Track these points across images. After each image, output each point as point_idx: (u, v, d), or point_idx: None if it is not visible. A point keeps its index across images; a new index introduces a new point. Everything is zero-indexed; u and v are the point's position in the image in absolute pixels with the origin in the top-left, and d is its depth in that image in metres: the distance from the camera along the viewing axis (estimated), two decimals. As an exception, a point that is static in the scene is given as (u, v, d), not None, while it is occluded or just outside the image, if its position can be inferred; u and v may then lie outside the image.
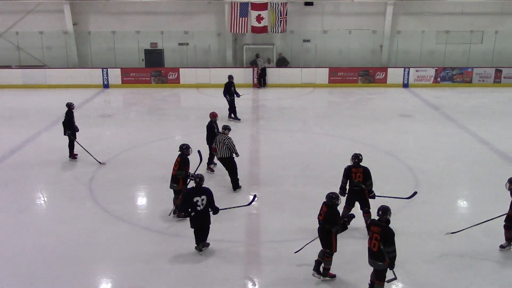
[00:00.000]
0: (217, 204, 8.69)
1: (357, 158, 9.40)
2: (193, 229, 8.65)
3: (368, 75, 24.16)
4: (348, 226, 7.89)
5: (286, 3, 23.82)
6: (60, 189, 11.71)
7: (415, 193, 9.98)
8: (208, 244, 8.85)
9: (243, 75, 23.96)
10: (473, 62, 25.03)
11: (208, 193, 8.55)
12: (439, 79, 24.10)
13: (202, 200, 8.43)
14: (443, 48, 25.22)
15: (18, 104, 20.91)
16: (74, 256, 8.69)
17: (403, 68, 24.16)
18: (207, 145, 12.50)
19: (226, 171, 11.55)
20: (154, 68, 24.55)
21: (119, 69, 24.19)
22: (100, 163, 13.20)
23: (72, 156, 13.52)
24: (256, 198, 9.57)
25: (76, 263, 8.49)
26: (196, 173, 9.61)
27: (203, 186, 8.61)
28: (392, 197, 9.68)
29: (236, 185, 11.42)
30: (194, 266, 8.39)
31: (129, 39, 25.16)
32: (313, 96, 22.57)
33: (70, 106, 13.43)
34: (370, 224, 7.36)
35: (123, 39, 25.18)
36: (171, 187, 10.08)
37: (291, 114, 18.93)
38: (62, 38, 24.96)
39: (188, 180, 9.99)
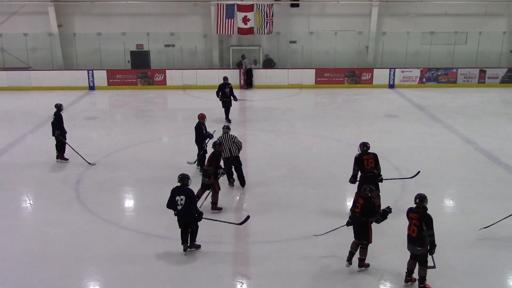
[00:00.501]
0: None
1: (365, 146, 10.02)
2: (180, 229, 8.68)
3: (354, 76, 24.29)
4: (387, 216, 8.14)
5: (272, 4, 23.86)
6: (47, 191, 11.62)
7: (419, 172, 11.06)
8: (198, 246, 8.79)
9: (229, 77, 23.80)
10: (458, 62, 25.30)
11: (189, 194, 8.48)
12: (424, 80, 24.32)
13: (181, 200, 8.43)
14: (428, 49, 25.45)
15: (3, 106, 20.67)
16: (61, 259, 8.62)
17: (388, 69, 24.35)
18: (196, 146, 12.57)
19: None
20: (140, 69, 24.46)
21: (105, 70, 24.06)
22: (89, 163, 13.15)
23: (61, 157, 13.44)
24: (248, 219, 9.35)
25: (63, 265, 8.43)
26: (223, 169, 10.50)
27: (187, 187, 8.56)
28: (397, 178, 11.39)
29: (244, 182, 11.54)
30: (182, 267, 8.37)
31: (114, 41, 25.03)
32: (300, 97, 22.64)
33: (59, 107, 13.39)
34: (408, 211, 7.70)
35: (109, 40, 25.05)
36: (203, 181, 10.40)
37: (278, 115, 18.96)
38: (47, 40, 24.77)
39: (219, 175, 10.33)
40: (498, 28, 25.28)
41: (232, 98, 17.24)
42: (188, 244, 8.70)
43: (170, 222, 9.89)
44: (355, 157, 9.93)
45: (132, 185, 12.12)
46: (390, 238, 9.16)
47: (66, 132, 13.48)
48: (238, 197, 11.24)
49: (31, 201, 11.28)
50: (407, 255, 7.70)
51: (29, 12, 24.69)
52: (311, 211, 10.39)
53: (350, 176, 10.16)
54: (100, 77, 23.84)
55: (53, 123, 13.27)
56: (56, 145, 13.40)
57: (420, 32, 25.27)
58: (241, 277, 8.17)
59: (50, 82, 23.62)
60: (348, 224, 8.22)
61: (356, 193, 9.57)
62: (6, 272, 8.26)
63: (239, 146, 11.33)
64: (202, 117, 12.65)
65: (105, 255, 8.78)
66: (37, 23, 24.71)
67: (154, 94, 22.99)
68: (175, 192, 8.53)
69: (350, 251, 8.23)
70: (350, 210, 8.58)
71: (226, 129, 11.49)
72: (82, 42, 25.05)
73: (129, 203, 11.43)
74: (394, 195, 11.20)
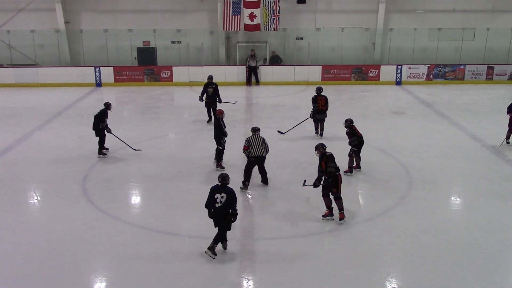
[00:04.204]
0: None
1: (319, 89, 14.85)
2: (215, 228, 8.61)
3: (361, 72, 24.23)
4: None
5: (278, 0, 23.81)
6: (54, 188, 11.66)
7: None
8: (225, 246, 8.75)
9: (236, 73, 24.00)
10: (465, 59, 25.18)
11: (231, 193, 8.42)
12: (431, 76, 24.21)
13: (222, 197, 8.37)
14: (435, 45, 25.34)
15: (10, 103, 20.78)
16: (68, 255, 8.66)
17: (395, 66, 24.26)
18: (216, 142, 12.58)
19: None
20: (147, 66, 24.48)
21: (112, 67, 24.11)
22: (135, 150, 13.73)
23: (101, 152, 13.64)
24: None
25: (70, 261, 8.47)
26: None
27: (228, 186, 8.53)
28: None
29: (267, 179, 11.62)
30: (188, 264, 8.38)
31: (121, 37, 25.07)
32: (306, 94, 22.46)
33: (107, 106, 13.73)
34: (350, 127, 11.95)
35: (116, 37, 25.09)
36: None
37: (284, 112, 18.94)
38: (54, 36, 24.84)
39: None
40: (506, 24, 25.11)
41: (217, 99, 16.72)
42: (222, 245, 8.68)
43: (177, 218, 9.96)
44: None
45: (139, 181, 12.15)
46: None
47: (109, 131, 13.64)
48: (248, 195, 11.23)
49: (38, 197, 11.33)
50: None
51: (36, 9, 24.80)
52: (317, 208, 10.36)
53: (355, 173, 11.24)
54: (107, 73, 23.89)
55: (96, 116, 13.53)
56: (99, 140, 13.60)
57: (427, 28, 25.16)
58: (247, 274, 8.18)
59: (57, 79, 23.70)
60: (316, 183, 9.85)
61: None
62: (13, 268, 8.32)
63: (267, 149, 11.39)
64: (220, 113, 12.73)
65: (112, 251, 8.82)
66: (44, 20, 24.82)
67: (160, 90, 23.02)
68: (215, 190, 8.47)
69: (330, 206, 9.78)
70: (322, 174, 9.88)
71: (257, 130, 11.52)
72: (89, 38, 25.10)
73: (135, 199, 11.46)
74: (401, 192, 11.18)
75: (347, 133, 12.28)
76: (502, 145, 14.34)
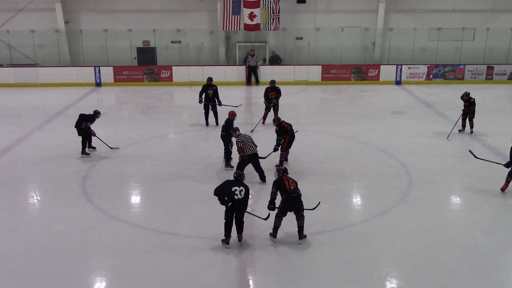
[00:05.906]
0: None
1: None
2: (225, 221, 8.74)
3: (361, 72, 24.23)
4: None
5: (278, 0, 23.81)
6: (53, 187, 11.65)
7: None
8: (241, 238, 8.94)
9: (236, 73, 23.99)
10: (465, 59, 25.19)
11: (247, 188, 8.77)
12: (431, 76, 24.22)
13: (241, 190, 8.64)
14: (435, 45, 25.35)
15: (10, 103, 20.78)
16: (67, 254, 8.66)
17: (395, 65, 24.27)
18: (223, 143, 12.67)
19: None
20: (147, 66, 24.48)
21: (112, 67, 24.11)
22: (112, 148, 13.85)
23: (84, 152, 13.61)
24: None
25: (70, 261, 8.46)
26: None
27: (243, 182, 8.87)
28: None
29: (264, 177, 11.73)
30: (189, 263, 8.38)
31: (121, 37, 25.07)
32: (306, 94, 22.60)
33: (95, 114, 13.73)
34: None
35: (115, 37, 25.09)
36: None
37: (284, 111, 18.84)
38: (54, 36, 24.85)
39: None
40: (506, 24, 25.13)
41: (216, 101, 16.58)
42: (238, 237, 8.87)
43: (177, 218, 9.95)
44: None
45: (139, 181, 12.15)
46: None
47: (93, 134, 13.70)
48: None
49: (38, 197, 11.32)
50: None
51: (36, 9, 24.81)
52: (317, 208, 10.35)
53: (355, 173, 10.23)
54: (107, 73, 23.90)
55: (82, 116, 13.58)
56: (82, 140, 13.61)
57: (427, 28, 25.17)
58: (247, 274, 8.18)
59: (57, 79, 23.71)
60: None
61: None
62: (13, 267, 8.31)
63: (255, 145, 11.61)
64: (232, 115, 12.82)
65: (112, 251, 8.81)
66: (44, 20, 24.83)
67: (160, 90, 23.03)
68: (232, 183, 8.72)
69: (277, 227, 8.97)
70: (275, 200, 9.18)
71: (237, 130, 11.74)
72: (88, 38, 25.10)
73: (135, 199, 11.45)
74: (401, 192, 11.18)
75: (277, 131, 12.42)
76: (451, 135, 15.21)
